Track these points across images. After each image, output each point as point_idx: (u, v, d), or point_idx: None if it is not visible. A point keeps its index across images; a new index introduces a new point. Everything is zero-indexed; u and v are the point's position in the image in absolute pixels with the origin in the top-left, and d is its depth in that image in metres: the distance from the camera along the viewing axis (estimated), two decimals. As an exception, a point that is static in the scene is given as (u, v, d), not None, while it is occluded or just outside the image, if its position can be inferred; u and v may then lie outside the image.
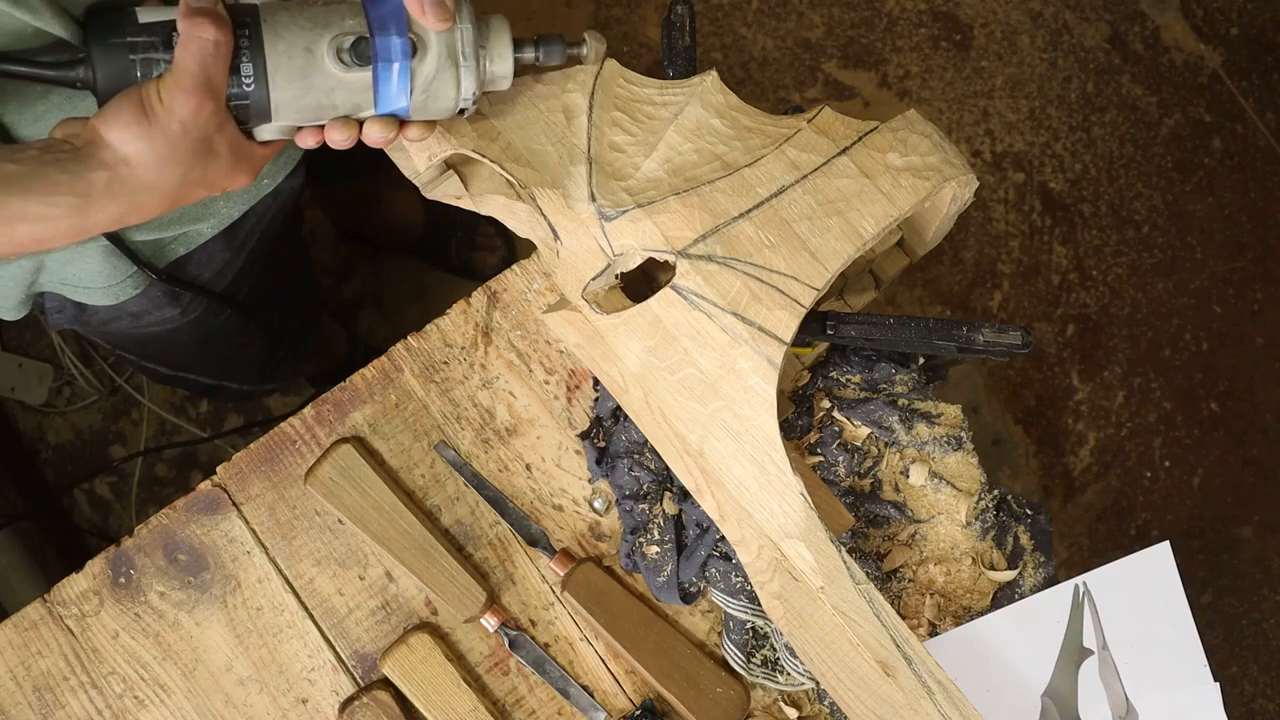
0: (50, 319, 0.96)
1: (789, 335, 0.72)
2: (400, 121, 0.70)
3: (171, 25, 0.63)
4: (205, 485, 0.89)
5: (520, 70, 0.74)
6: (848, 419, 0.90)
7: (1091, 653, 0.87)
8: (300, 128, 0.69)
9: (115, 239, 0.84)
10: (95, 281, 0.87)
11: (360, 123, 0.69)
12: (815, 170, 0.76)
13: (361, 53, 0.65)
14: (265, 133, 0.68)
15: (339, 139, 0.69)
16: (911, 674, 0.74)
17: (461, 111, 0.72)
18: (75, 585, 0.87)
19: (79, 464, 1.85)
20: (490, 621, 0.86)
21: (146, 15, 0.64)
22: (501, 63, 0.71)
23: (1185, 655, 0.88)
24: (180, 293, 0.96)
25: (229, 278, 1.00)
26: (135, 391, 1.84)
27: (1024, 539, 0.91)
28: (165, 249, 0.90)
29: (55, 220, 0.61)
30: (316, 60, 0.65)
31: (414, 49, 0.66)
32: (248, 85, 0.64)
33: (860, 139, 0.77)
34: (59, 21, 0.64)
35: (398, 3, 0.66)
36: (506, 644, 0.87)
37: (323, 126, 0.69)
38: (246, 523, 0.88)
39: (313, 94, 0.66)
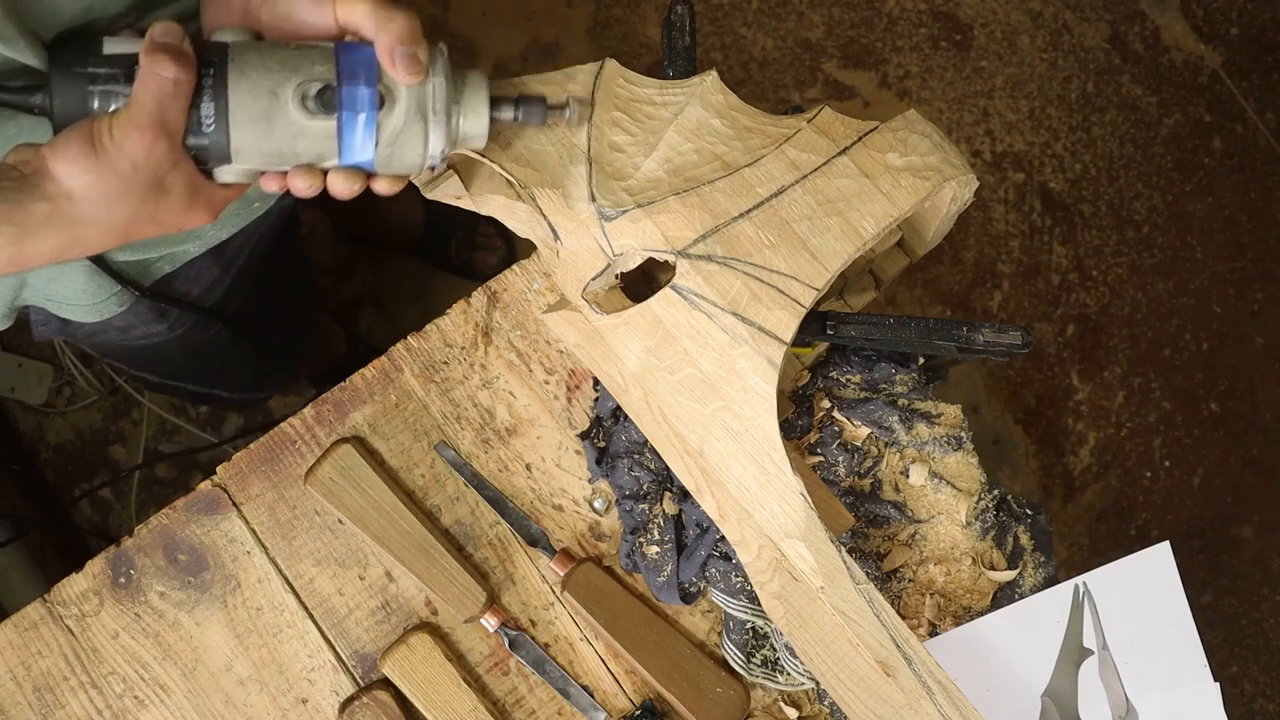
0: (36, 330, 0.95)
1: (789, 335, 0.72)
2: (366, 175, 0.68)
3: (135, 59, 0.61)
4: (205, 485, 0.89)
5: (497, 129, 0.72)
6: (848, 419, 0.90)
7: (1091, 653, 0.87)
8: (264, 172, 0.67)
9: (98, 259, 0.83)
10: (79, 299, 0.86)
11: (325, 172, 0.67)
12: (815, 170, 0.76)
13: (327, 101, 0.63)
14: (226, 174, 0.66)
15: (301, 187, 0.66)
16: (911, 674, 0.74)
17: (431, 169, 0.70)
18: (75, 585, 0.87)
19: (79, 464, 1.85)
20: (490, 621, 0.86)
21: (113, 46, 0.62)
22: (476, 121, 0.69)
23: (1185, 655, 0.88)
24: (167, 309, 0.95)
25: (218, 294, 0.99)
26: (135, 391, 1.84)
27: (1024, 539, 0.91)
28: (150, 267, 0.89)
29: None
30: (280, 105, 0.63)
31: (382, 101, 0.64)
32: (207, 126, 0.62)
33: (860, 139, 0.77)
34: (32, 51, 0.62)
35: (370, 52, 0.64)
36: (506, 644, 0.87)
37: (286, 173, 0.67)
38: (246, 523, 0.88)
39: (275, 140, 0.64)
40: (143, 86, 0.59)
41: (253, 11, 0.65)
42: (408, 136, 0.66)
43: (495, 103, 0.70)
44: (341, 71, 0.64)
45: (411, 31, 0.63)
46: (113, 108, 0.62)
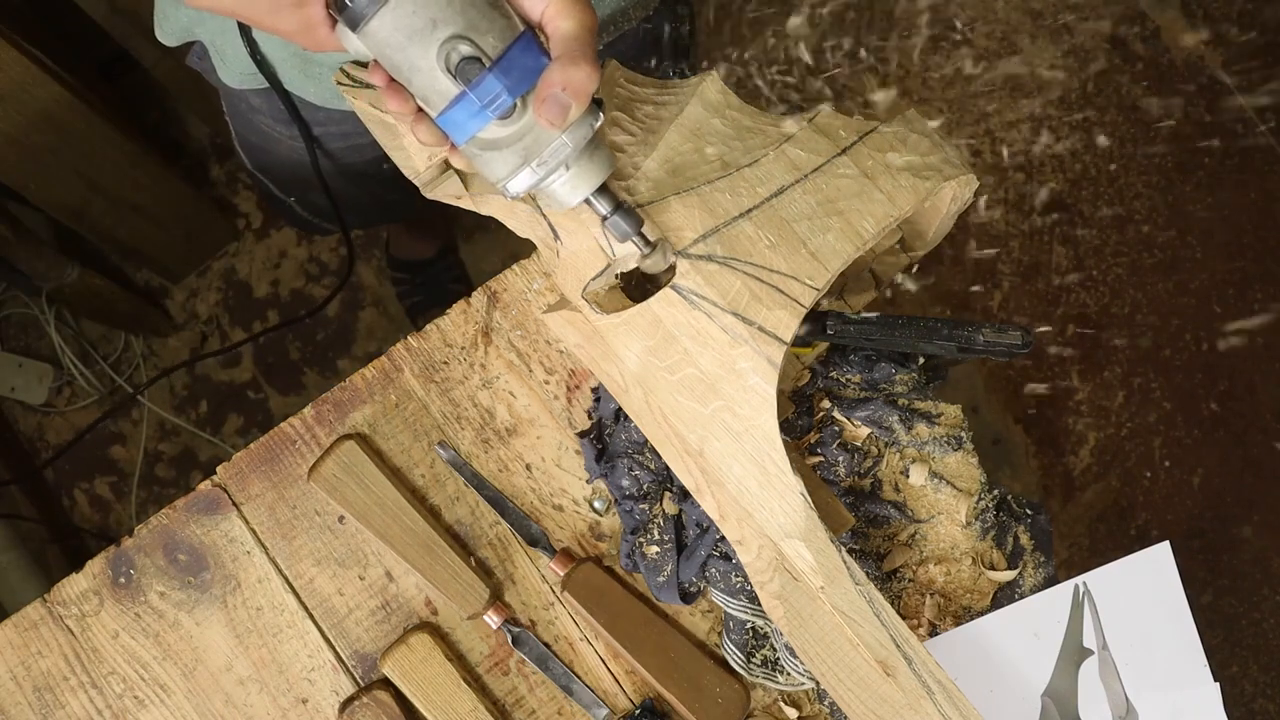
0: (190, 59, 1.09)
1: (789, 335, 0.72)
2: (450, 144, 0.67)
3: None
4: (205, 485, 0.89)
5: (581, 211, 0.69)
6: (848, 419, 0.90)
7: (1091, 653, 0.87)
8: (373, 65, 0.65)
9: (250, 41, 0.93)
10: (228, 59, 0.99)
11: (420, 110, 0.66)
12: (815, 170, 0.76)
13: (465, 71, 0.61)
14: (346, 39, 0.64)
15: (393, 106, 0.66)
16: (911, 674, 0.74)
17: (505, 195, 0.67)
18: (75, 585, 0.87)
19: (79, 464, 1.85)
20: (493, 619, 0.86)
21: None
22: (569, 194, 0.67)
23: (1185, 655, 0.88)
24: (293, 120, 1.03)
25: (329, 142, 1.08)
26: (135, 391, 1.84)
27: (1024, 539, 0.91)
28: (301, 80, 0.97)
29: None
30: (428, 38, 0.61)
31: (510, 112, 0.62)
32: None
33: (860, 139, 0.77)
34: None
35: (539, 66, 0.61)
36: (510, 640, 0.87)
37: (391, 80, 0.65)
38: (246, 523, 0.88)
39: (402, 58, 0.62)
40: None
41: None
42: (501, 158, 0.64)
43: (600, 192, 0.68)
44: (501, 59, 0.61)
45: (582, 85, 0.61)
46: None
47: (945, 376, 0.94)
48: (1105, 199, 1.97)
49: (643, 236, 0.70)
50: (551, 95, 0.61)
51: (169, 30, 1.00)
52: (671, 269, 0.75)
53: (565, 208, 0.68)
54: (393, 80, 0.65)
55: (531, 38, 0.62)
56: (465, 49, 0.61)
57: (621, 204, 0.69)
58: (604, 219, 0.69)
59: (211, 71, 1.05)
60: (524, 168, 0.65)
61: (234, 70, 1.00)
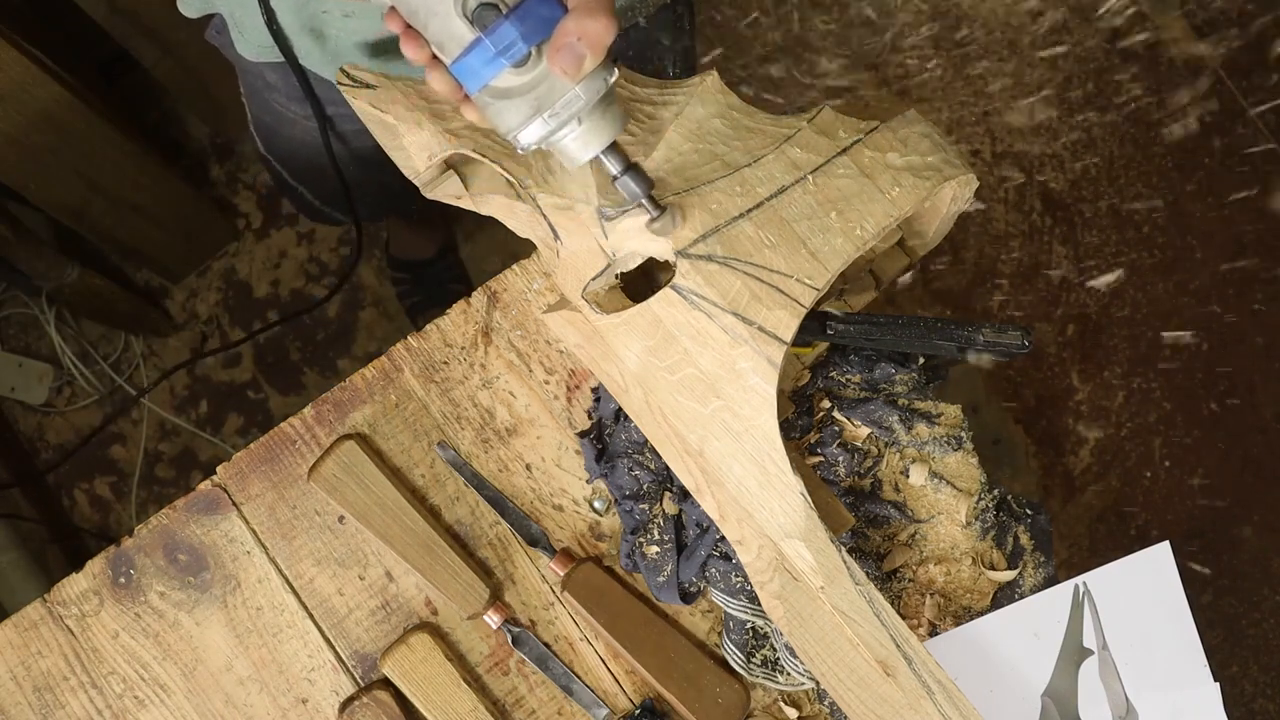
0: (208, 33, 1.11)
1: (789, 335, 0.72)
2: (464, 94, 0.66)
3: None
4: (205, 485, 0.89)
5: (593, 169, 0.68)
6: (848, 419, 0.90)
7: (1091, 653, 0.87)
8: (389, 12, 0.66)
9: (270, 12, 0.92)
10: (246, 31, 0.99)
11: (434, 58, 0.66)
12: (815, 170, 0.76)
13: (481, 17, 0.61)
14: None
15: (410, 51, 0.66)
16: (911, 674, 0.74)
17: (515, 147, 0.67)
18: (75, 585, 0.87)
19: (79, 464, 1.85)
20: (493, 618, 0.86)
21: None
22: (580, 148, 0.66)
23: (1185, 655, 0.88)
24: (307, 97, 1.03)
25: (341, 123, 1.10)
26: (135, 391, 1.84)
27: (1024, 539, 0.91)
28: (318, 56, 0.97)
29: None
30: None
31: (525, 60, 0.61)
32: None
33: (860, 139, 0.77)
34: None
35: (557, 14, 0.61)
36: (510, 640, 0.87)
37: (408, 26, 0.66)
38: (246, 523, 0.88)
39: (419, 0, 0.62)
40: None
41: None
42: (514, 107, 0.64)
43: (612, 149, 0.67)
44: (518, 6, 0.60)
45: (598, 37, 0.60)
46: None
47: (945, 376, 0.94)
48: (1105, 199, 1.97)
49: (652, 199, 0.70)
50: (567, 44, 0.60)
51: (190, 2, 1.00)
52: (672, 270, 0.75)
53: (576, 164, 0.67)
54: (409, 27, 0.65)
55: None
56: None
57: (633, 164, 0.68)
58: (614, 178, 0.68)
59: (229, 46, 1.06)
60: (536, 118, 0.64)
61: (251, 43, 1.00)
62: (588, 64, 0.61)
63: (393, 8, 0.64)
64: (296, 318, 1.90)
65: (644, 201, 0.69)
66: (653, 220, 0.71)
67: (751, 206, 0.75)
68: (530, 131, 0.65)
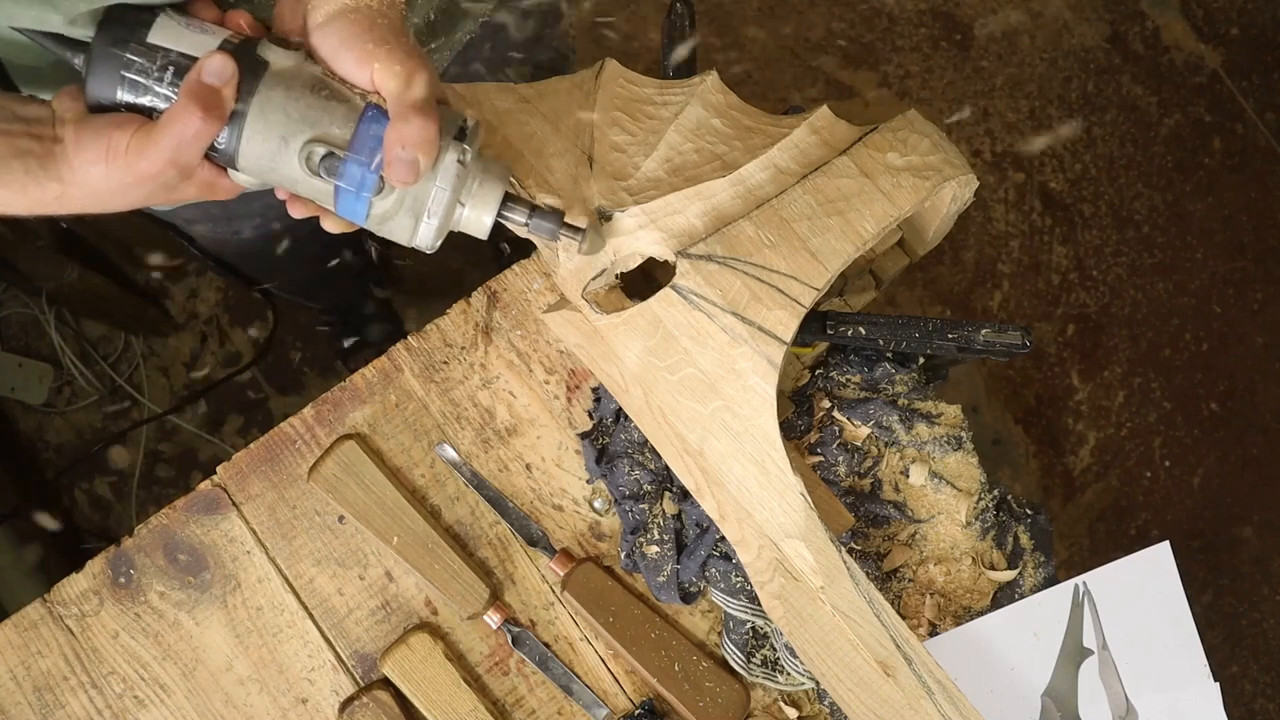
0: None
1: (789, 335, 0.72)
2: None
3: (170, 59, 0.62)
4: (205, 485, 0.88)
5: (502, 229, 0.70)
6: (848, 419, 0.90)
7: (1091, 652, 0.87)
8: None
9: None
10: None
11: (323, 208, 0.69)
12: (815, 170, 0.76)
13: (329, 167, 0.63)
14: (239, 178, 0.67)
15: (298, 213, 0.69)
16: (911, 674, 0.74)
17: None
18: (75, 585, 0.87)
19: (79, 464, 1.85)
20: (493, 618, 0.86)
21: (157, 35, 0.63)
22: (479, 219, 0.68)
23: (1185, 655, 0.88)
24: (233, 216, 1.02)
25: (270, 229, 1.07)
26: (135, 391, 1.84)
27: (1024, 539, 0.91)
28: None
29: (7, 205, 0.64)
30: (287, 153, 0.64)
31: (381, 186, 0.64)
32: (220, 143, 0.64)
33: (860, 139, 0.77)
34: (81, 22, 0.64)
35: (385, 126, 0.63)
36: (510, 640, 0.87)
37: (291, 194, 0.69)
38: (246, 523, 0.88)
39: (278, 176, 0.65)
40: (167, 121, 0.61)
41: (310, 32, 0.64)
42: (399, 223, 0.66)
43: (509, 204, 0.69)
44: (354, 141, 0.63)
45: (418, 138, 0.62)
46: (138, 99, 0.62)
47: (945, 376, 0.94)
48: (1105, 199, 1.97)
49: (570, 227, 0.71)
50: (395, 157, 0.62)
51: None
52: (672, 270, 0.75)
53: (485, 234, 0.69)
54: (293, 194, 0.68)
55: (376, 109, 0.64)
56: (319, 149, 0.64)
57: (534, 208, 0.69)
58: (526, 228, 0.70)
59: None
60: (420, 222, 0.66)
61: None
62: (422, 165, 0.63)
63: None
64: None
65: (563, 234, 0.70)
66: (580, 245, 0.71)
67: (751, 207, 0.75)
68: (423, 235, 0.67)
